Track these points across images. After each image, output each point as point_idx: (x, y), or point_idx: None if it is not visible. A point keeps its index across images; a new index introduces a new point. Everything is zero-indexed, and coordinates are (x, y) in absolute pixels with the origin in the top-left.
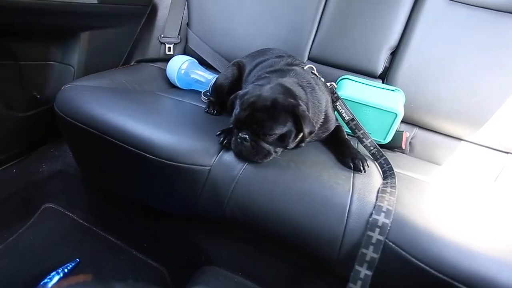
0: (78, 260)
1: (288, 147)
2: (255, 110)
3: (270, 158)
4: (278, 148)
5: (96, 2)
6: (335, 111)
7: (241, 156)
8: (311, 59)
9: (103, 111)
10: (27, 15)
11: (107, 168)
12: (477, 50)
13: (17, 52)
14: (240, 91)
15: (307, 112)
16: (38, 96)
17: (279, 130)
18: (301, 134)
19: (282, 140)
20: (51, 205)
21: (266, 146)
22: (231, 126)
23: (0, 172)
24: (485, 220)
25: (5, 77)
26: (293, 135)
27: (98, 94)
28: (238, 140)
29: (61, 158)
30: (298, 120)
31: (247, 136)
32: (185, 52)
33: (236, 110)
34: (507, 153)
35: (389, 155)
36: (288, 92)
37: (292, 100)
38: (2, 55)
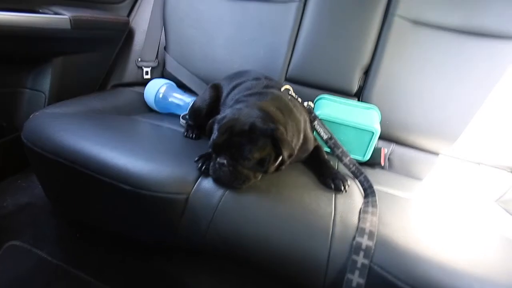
0: None
1: (268, 172)
2: (233, 135)
3: (250, 183)
4: (258, 173)
5: (69, 27)
6: (314, 131)
7: (219, 181)
8: (288, 79)
9: (74, 139)
10: None
11: (80, 199)
12: (442, 68)
13: None
14: (218, 116)
15: (285, 135)
16: (4, 125)
17: (258, 154)
18: (280, 158)
19: (261, 165)
20: (16, 243)
21: (245, 171)
22: (210, 150)
23: None
24: (466, 236)
25: None
26: (272, 159)
27: (69, 122)
28: (216, 165)
29: (29, 189)
30: (276, 143)
31: (225, 161)
32: (163, 76)
33: (214, 135)
34: (479, 164)
35: (369, 171)
36: (266, 115)
37: (270, 124)
38: None
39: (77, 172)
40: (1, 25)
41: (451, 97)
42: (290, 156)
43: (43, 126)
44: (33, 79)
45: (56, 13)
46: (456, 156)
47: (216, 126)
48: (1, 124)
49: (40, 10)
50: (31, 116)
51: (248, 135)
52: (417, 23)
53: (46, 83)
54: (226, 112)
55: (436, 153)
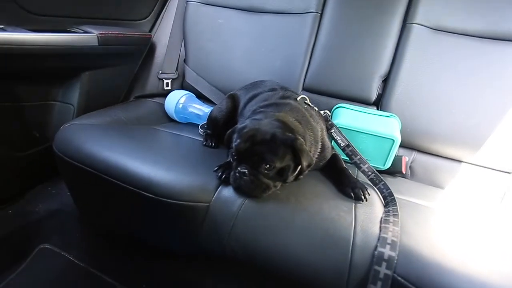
0: None
1: (287, 181)
2: (255, 143)
3: (269, 193)
4: (277, 182)
5: (97, 44)
6: (331, 139)
7: (240, 190)
8: (305, 89)
9: (101, 149)
10: (31, 61)
11: (105, 207)
12: (465, 75)
13: (19, 94)
14: (237, 125)
15: (304, 145)
16: (37, 135)
17: (279, 164)
18: (299, 167)
19: (281, 174)
20: (46, 246)
21: (266, 180)
22: (229, 160)
23: None
24: (494, 246)
25: (5, 118)
26: (291, 169)
27: (96, 133)
28: (237, 174)
29: (58, 197)
30: (296, 153)
31: (246, 170)
32: (182, 87)
33: (236, 142)
34: (509, 173)
35: (390, 180)
36: (285, 126)
37: (290, 134)
38: (3, 96)
39: (102, 180)
40: (38, 45)
41: (476, 104)
42: (309, 166)
43: (72, 137)
44: (63, 93)
45: (85, 32)
46: (483, 165)
47: (236, 135)
48: (35, 134)
49: (71, 30)
50: (61, 128)
51: (269, 144)
52: (437, 30)
53: (74, 96)
54: (245, 123)
55: (460, 161)
